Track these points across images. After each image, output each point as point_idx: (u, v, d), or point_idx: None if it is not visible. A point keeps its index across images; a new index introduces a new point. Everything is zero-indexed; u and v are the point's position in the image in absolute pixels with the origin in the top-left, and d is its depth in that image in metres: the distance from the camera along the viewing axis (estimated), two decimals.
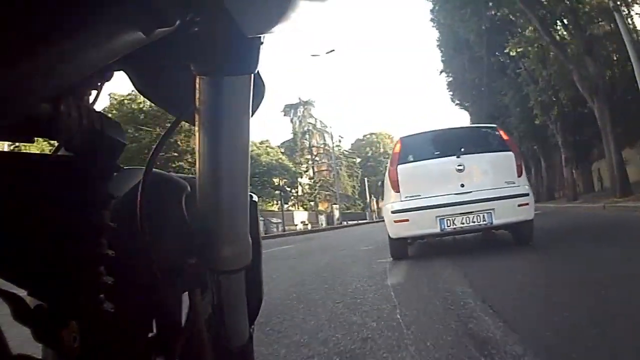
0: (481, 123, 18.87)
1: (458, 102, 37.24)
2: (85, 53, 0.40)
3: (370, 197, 58.69)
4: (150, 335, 0.64)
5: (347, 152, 69.93)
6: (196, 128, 0.61)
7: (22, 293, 0.51)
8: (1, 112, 0.36)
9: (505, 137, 6.39)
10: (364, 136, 77.88)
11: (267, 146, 50.21)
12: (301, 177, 44.87)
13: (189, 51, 0.56)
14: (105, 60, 0.43)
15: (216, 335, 0.73)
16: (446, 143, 6.41)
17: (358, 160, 72.16)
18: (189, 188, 0.68)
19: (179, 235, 0.65)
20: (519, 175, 5.99)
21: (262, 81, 0.69)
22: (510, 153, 6.07)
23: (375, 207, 57.69)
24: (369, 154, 74.22)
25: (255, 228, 0.74)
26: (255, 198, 0.76)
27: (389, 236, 6.23)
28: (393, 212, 5.96)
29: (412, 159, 6.18)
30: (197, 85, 0.58)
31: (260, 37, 0.56)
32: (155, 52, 0.53)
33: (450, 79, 34.39)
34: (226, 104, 0.58)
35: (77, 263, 0.50)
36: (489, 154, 6.12)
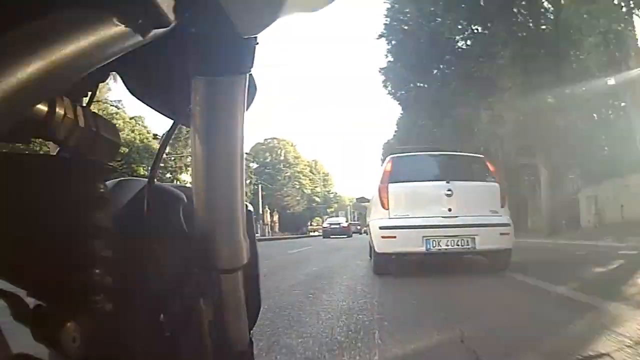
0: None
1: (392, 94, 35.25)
2: (81, 54, 0.40)
3: (264, 208, 51.13)
4: (155, 339, 0.65)
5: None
6: (192, 128, 0.62)
7: (22, 293, 0.51)
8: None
9: (492, 168, 6.67)
10: (265, 140, 72.53)
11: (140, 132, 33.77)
12: (180, 174, 33.89)
13: (185, 51, 0.56)
14: (101, 62, 0.42)
15: (217, 339, 0.74)
16: (436, 167, 6.68)
17: (255, 165, 65.35)
18: (185, 198, 0.69)
19: (180, 245, 0.66)
20: (502, 206, 6.27)
21: (254, 81, 0.69)
22: (496, 184, 6.35)
23: (270, 219, 52.25)
24: (267, 160, 69.30)
25: (252, 233, 0.75)
26: (250, 207, 0.77)
27: (374, 251, 6.36)
28: (381, 228, 6.10)
29: (403, 179, 6.36)
30: (193, 86, 0.58)
31: (255, 37, 0.56)
32: (150, 54, 0.52)
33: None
34: (222, 103, 0.59)
35: (76, 263, 0.51)
36: (477, 182, 6.38)
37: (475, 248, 5.93)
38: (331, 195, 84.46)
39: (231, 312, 0.74)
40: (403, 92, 26.05)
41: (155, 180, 0.72)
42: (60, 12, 0.37)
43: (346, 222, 40.23)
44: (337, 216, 54.68)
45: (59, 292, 0.51)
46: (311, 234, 54.01)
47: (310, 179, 72.01)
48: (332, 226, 36.34)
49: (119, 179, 0.66)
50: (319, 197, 76.03)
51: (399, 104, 28.09)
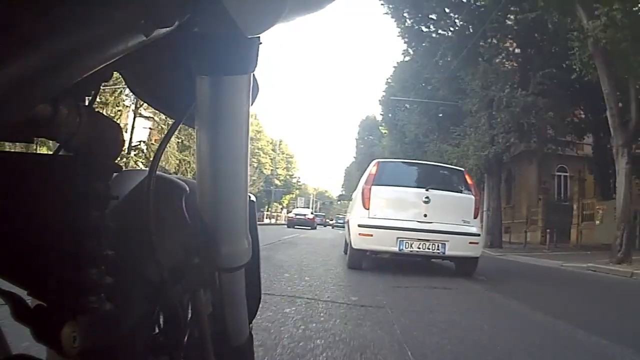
0: None
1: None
2: (85, 54, 0.40)
3: None
4: (154, 333, 0.65)
5: None
6: (196, 127, 0.62)
7: (22, 293, 0.51)
8: (1, 112, 0.36)
9: (470, 181, 7.14)
10: None
11: None
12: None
13: (189, 51, 0.56)
14: (105, 61, 0.42)
15: (217, 333, 0.74)
16: (418, 175, 7.13)
17: None
18: (188, 189, 0.69)
19: (182, 236, 0.66)
20: (475, 217, 6.73)
21: (257, 81, 0.69)
22: (472, 197, 6.81)
23: None
24: None
25: (254, 227, 0.75)
26: (252, 198, 0.76)
27: (350, 246, 6.81)
28: (359, 226, 6.54)
29: (385, 182, 6.80)
30: (197, 85, 0.59)
31: (258, 36, 0.56)
32: (154, 53, 0.53)
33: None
34: (226, 103, 0.59)
35: (77, 263, 0.50)
36: (454, 193, 6.84)
37: (445, 253, 6.41)
38: (294, 180, 78.02)
39: (232, 307, 0.75)
40: None
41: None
42: (63, 12, 0.37)
43: (311, 214, 40.39)
44: (304, 207, 54.78)
45: (59, 292, 0.50)
46: (267, 221, 48.25)
47: (271, 158, 65.90)
48: (298, 216, 36.92)
49: (122, 170, 0.66)
50: (280, 180, 69.63)
51: None
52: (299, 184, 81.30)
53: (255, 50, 0.57)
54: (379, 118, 40.51)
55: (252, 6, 0.47)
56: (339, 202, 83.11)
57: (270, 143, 67.03)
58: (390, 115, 31.45)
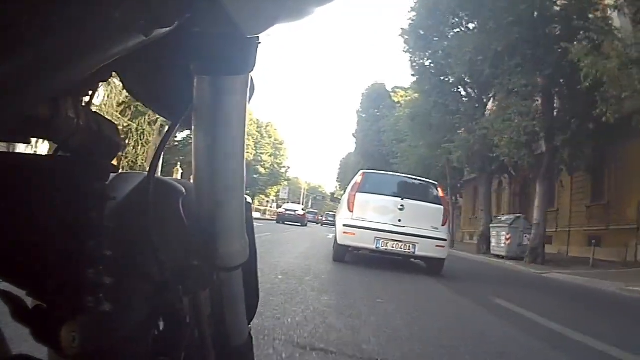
0: None
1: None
2: (84, 54, 0.40)
3: (174, 164, 35.01)
4: (154, 334, 0.66)
5: None
6: (194, 128, 0.62)
7: (21, 293, 0.51)
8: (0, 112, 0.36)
9: (441, 194, 8.40)
10: None
11: None
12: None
13: (189, 51, 0.57)
14: (104, 61, 0.43)
15: (217, 333, 0.75)
16: (396, 186, 8.44)
17: None
18: (184, 191, 0.69)
19: (180, 237, 0.66)
20: (443, 225, 7.98)
21: (253, 80, 0.67)
22: (442, 207, 8.07)
23: None
24: None
25: (251, 227, 0.76)
26: (249, 200, 0.76)
27: (335, 242, 8.06)
28: (344, 226, 7.82)
29: (368, 191, 8.06)
30: (196, 85, 0.59)
31: (257, 36, 0.56)
32: (153, 53, 0.53)
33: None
34: (224, 103, 0.59)
35: (75, 263, 0.51)
36: (426, 203, 8.09)
37: (415, 253, 7.67)
38: (282, 170, 67.75)
39: (230, 307, 0.77)
40: None
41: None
42: (62, 12, 0.37)
43: (302, 210, 38.43)
44: (295, 202, 53.21)
45: (59, 292, 0.50)
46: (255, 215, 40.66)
47: (255, 142, 59.49)
48: (288, 212, 35.38)
49: (119, 172, 0.65)
50: (265, 168, 62.04)
51: None
52: (287, 174, 71.62)
53: (255, 51, 0.58)
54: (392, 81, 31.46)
55: (251, 6, 0.48)
56: (333, 199, 76.87)
57: (255, 123, 59.76)
58: (422, 45, 21.64)
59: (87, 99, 0.58)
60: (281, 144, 65.12)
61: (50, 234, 0.50)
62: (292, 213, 35.34)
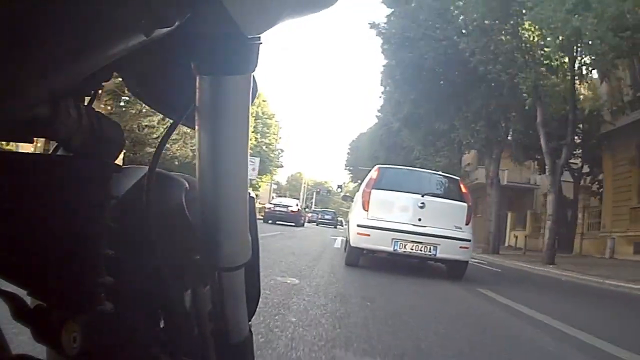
0: None
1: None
2: (85, 54, 0.40)
3: None
4: (155, 331, 0.65)
5: None
6: (196, 127, 0.62)
7: (22, 293, 0.51)
8: (1, 112, 0.36)
9: (464, 190, 7.64)
10: None
11: None
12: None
13: (190, 51, 0.56)
14: (105, 61, 0.43)
15: (217, 330, 0.75)
16: (415, 181, 7.65)
17: None
18: (187, 185, 0.69)
19: (182, 233, 0.66)
20: (467, 224, 7.23)
21: (255, 80, 0.68)
22: (465, 204, 7.31)
23: None
24: None
25: (254, 225, 0.76)
26: (252, 194, 0.76)
27: (348, 244, 7.33)
28: (358, 226, 7.08)
29: (385, 187, 7.33)
30: (198, 85, 0.59)
31: (259, 36, 0.56)
32: (154, 53, 0.54)
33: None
34: (227, 102, 0.59)
35: (76, 263, 0.50)
36: (448, 200, 7.34)
37: (436, 255, 6.92)
38: (274, 154, 51.21)
39: (232, 304, 0.76)
40: None
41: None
42: (62, 12, 0.37)
43: (297, 205, 27.97)
44: (287, 197, 43.37)
45: (59, 292, 0.50)
46: None
47: None
48: (278, 208, 25.91)
49: (121, 169, 0.65)
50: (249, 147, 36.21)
51: None
52: (279, 159, 53.92)
53: (256, 51, 0.58)
54: None
55: (252, 6, 0.48)
56: (338, 190, 69.67)
57: None
58: None
59: (89, 98, 0.60)
60: (270, 119, 49.34)
61: (52, 233, 0.50)
62: (284, 210, 26.06)
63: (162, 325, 0.65)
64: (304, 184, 73.22)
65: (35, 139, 0.52)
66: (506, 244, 25.26)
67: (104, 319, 0.53)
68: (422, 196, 7.16)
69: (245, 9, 0.47)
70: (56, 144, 0.57)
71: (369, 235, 6.97)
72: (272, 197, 41.26)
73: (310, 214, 45.01)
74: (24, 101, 0.40)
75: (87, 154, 0.56)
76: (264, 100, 48.92)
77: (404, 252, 6.92)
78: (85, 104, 0.57)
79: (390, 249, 6.91)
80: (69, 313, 0.50)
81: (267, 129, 48.57)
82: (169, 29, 0.46)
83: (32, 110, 0.47)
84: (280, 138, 53.10)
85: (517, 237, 22.70)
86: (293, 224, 25.67)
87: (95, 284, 0.52)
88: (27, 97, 0.39)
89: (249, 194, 0.71)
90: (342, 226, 38.63)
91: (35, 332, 0.50)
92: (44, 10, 0.36)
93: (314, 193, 76.10)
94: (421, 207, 7.11)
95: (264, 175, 49.11)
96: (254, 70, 0.60)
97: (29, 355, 0.51)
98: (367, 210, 7.14)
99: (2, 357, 0.51)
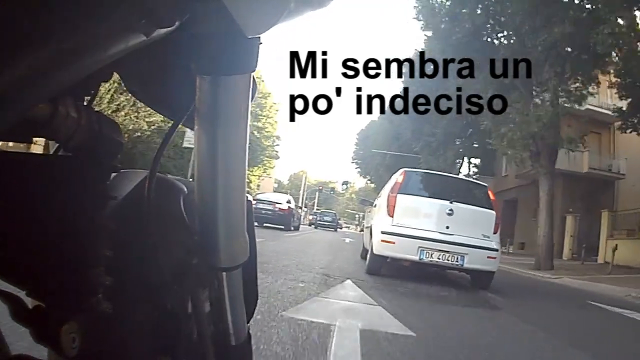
0: None
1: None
2: (85, 54, 0.40)
3: None
4: (154, 334, 0.65)
5: None
6: (195, 127, 0.62)
7: (21, 293, 0.51)
8: (1, 112, 0.36)
9: (492, 197, 7.34)
10: None
11: None
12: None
13: (190, 51, 0.56)
14: (105, 61, 0.42)
15: (216, 332, 0.75)
16: (443, 187, 7.34)
17: None
18: (186, 190, 0.69)
19: (181, 236, 0.66)
20: (495, 232, 6.95)
21: (255, 80, 0.68)
22: (493, 212, 7.02)
23: None
24: None
25: (251, 226, 0.76)
26: (250, 198, 0.76)
27: (371, 252, 7.07)
28: (382, 233, 6.79)
29: (411, 192, 7.03)
30: (197, 85, 0.58)
31: (259, 36, 0.56)
32: (154, 53, 0.53)
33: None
34: (226, 103, 0.59)
35: (76, 263, 0.50)
36: (476, 208, 7.04)
37: (463, 265, 6.64)
38: (269, 142, 44.38)
39: (230, 306, 0.75)
40: None
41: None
42: (62, 12, 0.36)
43: (288, 202, 21.40)
44: (276, 192, 35.61)
45: (59, 292, 0.50)
46: None
47: None
48: (261, 205, 19.49)
49: (121, 170, 0.66)
50: None
51: None
52: (274, 149, 46.34)
53: (256, 50, 0.58)
54: None
55: (253, 6, 0.48)
56: (344, 188, 66.32)
57: None
58: None
59: (88, 98, 0.61)
60: (266, 98, 41.63)
61: (51, 233, 0.50)
62: (269, 208, 19.84)
63: (161, 326, 0.65)
64: (305, 180, 66.95)
65: (35, 139, 0.52)
66: (598, 259, 18.05)
67: (103, 320, 0.54)
68: (451, 202, 6.87)
69: (245, 9, 0.47)
70: (56, 144, 0.57)
71: (394, 242, 6.68)
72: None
73: (311, 216, 41.24)
74: (24, 101, 0.39)
75: (86, 154, 0.56)
76: (258, 77, 37.49)
77: (430, 261, 6.64)
78: (85, 104, 0.58)
79: (416, 257, 6.63)
80: (68, 314, 0.51)
81: (260, 110, 40.83)
82: (169, 29, 0.46)
83: (31, 111, 0.47)
84: (276, 122, 45.11)
85: (616, 247, 14.15)
86: (282, 227, 19.72)
87: (94, 284, 0.52)
88: (26, 98, 0.39)
89: (247, 197, 0.71)
90: (342, 229, 36.97)
91: (35, 332, 0.50)
92: (43, 10, 0.36)
93: (317, 192, 70.93)
94: (449, 214, 6.82)
95: (255, 168, 41.30)
96: (253, 70, 0.60)
97: (29, 355, 0.51)
98: (393, 217, 6.85)
99: (2, 357, 0.52)
